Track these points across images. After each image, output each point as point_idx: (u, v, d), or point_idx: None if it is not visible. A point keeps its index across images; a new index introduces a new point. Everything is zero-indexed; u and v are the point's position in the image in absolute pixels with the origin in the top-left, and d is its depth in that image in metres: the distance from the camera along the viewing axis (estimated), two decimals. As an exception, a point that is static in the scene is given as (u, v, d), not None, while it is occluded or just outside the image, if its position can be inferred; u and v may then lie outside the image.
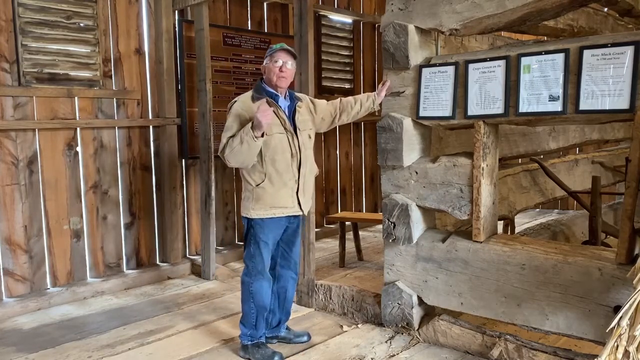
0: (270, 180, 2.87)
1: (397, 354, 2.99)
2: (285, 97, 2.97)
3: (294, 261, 3.16)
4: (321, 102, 3.21)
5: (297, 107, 2.99)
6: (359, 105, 3.22)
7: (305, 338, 3.20)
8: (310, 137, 3.05)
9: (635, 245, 2.42)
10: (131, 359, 3.04)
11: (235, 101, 2.93)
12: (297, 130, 2.94)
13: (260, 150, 2.82)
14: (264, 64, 2.95)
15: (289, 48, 2.94)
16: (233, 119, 2.86)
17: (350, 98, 3.25)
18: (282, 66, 2.87)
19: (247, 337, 3.00)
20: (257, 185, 2.88)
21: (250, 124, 2.72)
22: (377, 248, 5.25)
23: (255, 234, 2.94)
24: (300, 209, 2.98)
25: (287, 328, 3.25)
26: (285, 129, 2.89)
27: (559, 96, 2.51)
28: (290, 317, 3.27)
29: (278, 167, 2.87)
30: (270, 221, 2.93)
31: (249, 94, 2.94)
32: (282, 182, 2.89)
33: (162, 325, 3.53)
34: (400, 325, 3.23)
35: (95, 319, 3.68)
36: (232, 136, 2.79)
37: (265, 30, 5.50)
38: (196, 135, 4.75)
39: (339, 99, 3.26)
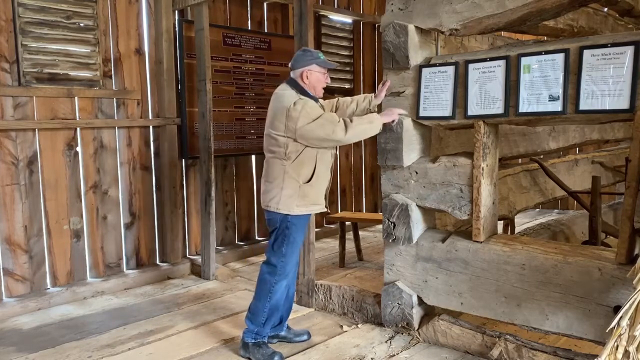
0: (317, 178, 2.93)
1: (397, 353, 2.99)
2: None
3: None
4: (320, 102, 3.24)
5: None
6: (355, 105, 3.24)
7: (305, 337, 3.21)
8: None
9: (635, 245, 2.43)
10: (131, 359, 3.04)
11: (300, 99, 2.86)
12: None
13: (315, 150, 2.90)
14: (308, 68, 2.92)
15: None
16: (319, 110, 2.88)
17: (347, 98, 3.30)
18: (327, 78, 3.01)
19: (252, 335, 2.99)
20: (304, 183, 2.90)
21: (373, 116, 2.98)
22: (377, 248, 5.25)
23: (291, 233, 2.94)
24: (326, 205, 3.09)
25: (288, 327, 3.25)
26: None
27: (559, 96, 2.51)
28: (291, 317, 3.27)
29: (325, 166, 2.98)
30: (304, 218, 2.99)
31: (292, 92, 2.90)
32: (325, 180, 3.01)
33: (162, 325, 3.53)
34: (400, 325, 3.23)
35: (95, 319, 3.68)
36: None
37: (265, 30, 5.50)
38: (196, 135, 4.75)
39: (336, 98, 3.29)
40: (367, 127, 2.91)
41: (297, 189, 2.89)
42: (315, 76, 2.95)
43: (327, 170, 3.01)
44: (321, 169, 2.94)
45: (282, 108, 2.85)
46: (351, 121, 2.88)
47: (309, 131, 2.80)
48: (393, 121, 3.05)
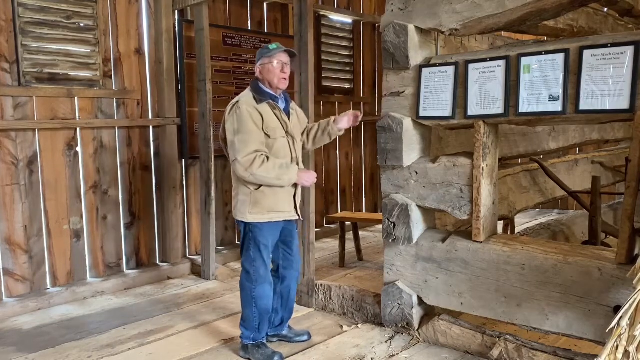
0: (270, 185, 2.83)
1: (397, 354, 2.99)
2: (281, 99, 2.96)
3: (296, 260, 3.16)
4: (305, 118, 3.20)
5: (290, 110, 2.99)
6: (317, 127, 3.14)
7: (305, 337, 3.20)
8: (300, 141, 3.05)
9: (635, 245, 2.42)
10: (131, 359, 3.04)
11: (238, 102, 2.82)
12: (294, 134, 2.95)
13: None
14: (259, 64, 2.89)
15: (289, 49, 2.92)
16: (249, 126, 2.74)
17: (314, 124, 3.20)
18: (284, 67, 2.86)
19: (249, 339, 2.99)
20: (255, 190, 2.83)
21: (296, 169, 2.82)
22: (377, 248, 5.25)
23: (254, 237, 2.89)
24: (297, 213, 2.97)
25: (289, 327, 3.25)
26: (287, 132, 2.88)
27: (559, 96, 2.51)
28: (291, 317, 3.27)
29: None
30: (267, 225, 2.89)
31: (249, 95, 2.87)
32: (283, 188, 2.86)
33: (162, 325, 3.53)
34: (400, 325, 3.23)
35: (95, 319, 3.68)
36: (260, 152, 2.74)
37: (265, 30, 5.50)
38: (196, 135, 4.75)
39: (310, 125, 3.21)
40: (275, 174, 2.75)
41: (249, 195, 2.83)
42: (266, 69, 2.86)
43: None
44: None
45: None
46: (269, 163, 2.73)
47: (228, 142, 2.80)
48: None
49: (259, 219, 2.86)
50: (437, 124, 3.02)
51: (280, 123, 2.86)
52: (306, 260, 3.73)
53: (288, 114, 2.95)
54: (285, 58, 2.88)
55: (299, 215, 3.00)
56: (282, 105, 2.93)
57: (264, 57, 2.87)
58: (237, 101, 2.84)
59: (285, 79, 2.88)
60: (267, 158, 2.76)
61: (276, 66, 2.84)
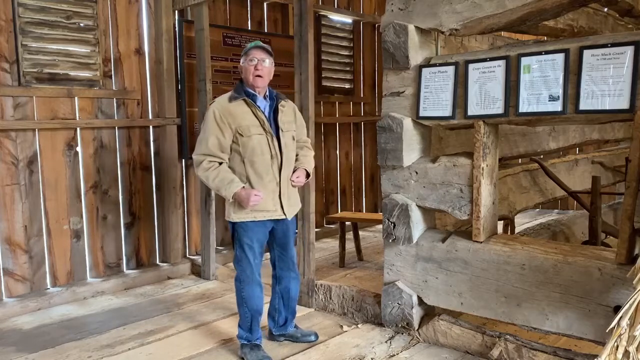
0: (250, 183, 2.83)
1: (397, 354, 2.99)
2: (265, 97, 2.94)
3: (292, 261, 3.13)
4: (301, 124, 3.17)
5: (279, 107, 2.94)
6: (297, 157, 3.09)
7: (312, 337, 3.19)
8: (294, 139, 3.01)
9: (635, 245, 2.42)
10: (131, 359, 3.04)
11: (214, 102, 2.89)
12: (280, 131, 2.89)
13: (239, 152, 2.82)
14: (240, 63, 2.92)
15: (264, 45, 2.92)
16: (211, 127, 2.78)
17: (304, 152, 3.13)
18: (258, 64, 2.83)
19: (243, 339, 3.01)
20: None
21: (236, 189, 2.74)
22: (377, 248, 5.24)
23: (239, 237, 2.91)
24: (283, 212, 2.92)
25: (296, 326, 3.25)
26: (264, 129, 2.84)
27: (559, 96, 2.51)
28: (295, 317, 3.27)
29: (257, 169, 2.83)
30: (252, 224, 2.87)
31: (228, 94, 2.90)
32: (262, 185, 2.83)
33: (162, 325, 3.53)
34: (400, 325, 3.23)
35: (95, 319, 3.68)
36: (212, 157, 2.79)
37: (265, 30, 5.50)
38: (196, 135, 4.71)
39: (304, 143, 3.17)
40: (214, 184, 2.78)
41: None
42: (243, 68, 2.89)
43: (266, 175, 2.83)
44: (252, 174, 2.82)
45: None
46: (213, 172, 2.76)
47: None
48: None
49: (243, 218, 2.86)
50: (437, 124, 3.02)
51: (257, 120, 2.83)
52: (306, 260, 3.73)
53: (273, 111, 2.92)
54: (259, 54, 2.85)
55: (285, 215, 2.93)
56: (262, 103, 2.91)
57: (242, 57, 2.91)
58: (213, 101, 2.91)
59: (259, 76, 2.83)
60: (220, 164, 2.80)
61: (250, 64, 2.84)
